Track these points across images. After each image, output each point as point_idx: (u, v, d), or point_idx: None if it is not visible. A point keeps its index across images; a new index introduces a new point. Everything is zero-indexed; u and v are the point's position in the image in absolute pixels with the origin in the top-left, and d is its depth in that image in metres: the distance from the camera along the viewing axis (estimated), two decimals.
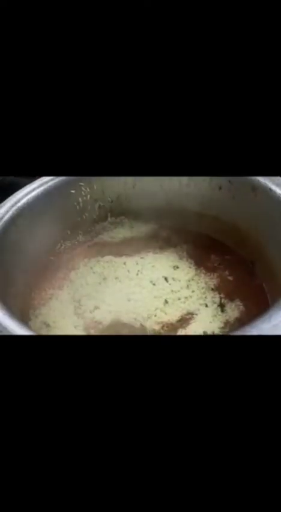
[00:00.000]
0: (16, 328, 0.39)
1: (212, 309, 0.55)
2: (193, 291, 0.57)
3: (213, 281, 0.59)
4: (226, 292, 0.57)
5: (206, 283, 0.58)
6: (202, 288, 0.58)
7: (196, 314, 0.54)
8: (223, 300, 0.56)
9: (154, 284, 0.58)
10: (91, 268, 0.61)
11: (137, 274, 0.60)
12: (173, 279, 0.59)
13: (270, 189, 0.52)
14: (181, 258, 0.62)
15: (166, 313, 0.55)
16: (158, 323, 0.54)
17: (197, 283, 0.59)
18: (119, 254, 0.63)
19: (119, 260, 0.62)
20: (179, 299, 0.57)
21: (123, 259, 0.62)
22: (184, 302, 0.56)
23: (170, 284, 0.58)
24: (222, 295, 0.56)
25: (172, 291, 0.57)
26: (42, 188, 0.56)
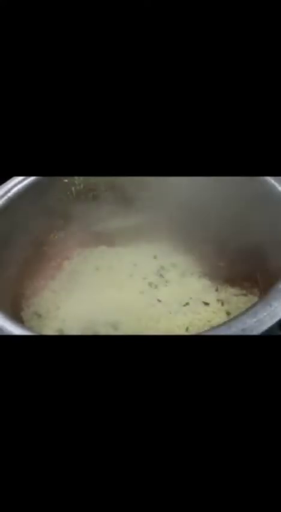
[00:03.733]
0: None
1: (206, 296, 0.55)
2: (186, 279, 0.58)
3: (207, 269, 0.59)
4: (220, 280, 0.57)
5: (200, 272, 0.58)
6: (196, 276, 0.58)
7: (189, 301, 0.54)
8: (218, 287, 0.56)
9: (146, 273, 0.58)
10: (85, 258, 0.61)
11: (130, 264, 0.60)
12: (167, 268, 0.59)
13: (264, 179, 0.51)
14: (175, 248, 0.62)
15: (159, 301, 0.55)
16: (150, 312, 0.54)
17: (191, 271, 0.59)
18: (112, 244, 0.63)
19: (112, 250, 0.62)
20: (172, 287, 0.57)
21: (117, 249, 0.62)
22: (177, 290, 0.56)
23: (163, 273, 0.58)
24: (216, 284, 0.56)
25: (166, 280, 0.57)
26: (33, 178, 0.56)
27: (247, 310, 0.34)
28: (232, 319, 0.34)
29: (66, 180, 0.60)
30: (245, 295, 0.54)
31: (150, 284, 0.57)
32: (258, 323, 0.33)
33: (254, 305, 0.35)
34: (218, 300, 0.54)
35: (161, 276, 0.58)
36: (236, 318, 0.34)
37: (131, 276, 0.58)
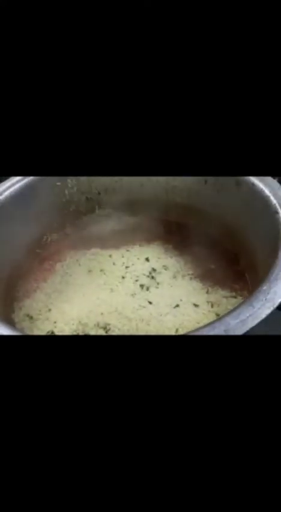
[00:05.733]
0: None
1: (196, 298, 0.55)
2: (177, 281, 0.58)
3: (198, 272, 0.59)
4: (210, 282, 0.57)
5: (191, 274, 0.59)
6: (187, 278, 0.59)
7: (179, 303, 0.55)
8: (209, 289, 0.56)
9: (138, 276, 0.59)
10: (77, 260, 0.62)
11: (123, 267, 0.60)
12: (159, 270, 0.60)
13: (253, 184, 0.52)
14: (166, 250, 0.63)
15: (150, 303, 0.55)
16: (140, 314, 0.54)
17: (182, 273, 0.59)
18: (105, 246, 0.64)
19: (105, 252, 0.63)
20: (163, 289, 0.57)
21: (110, 251, 0.63)
22: (168, 292, 0.57)
23: (155, 275, 0.59)
24: (206, 286, 0.57)
25: (157, 282, 0.58)
26: (26, 180, 0.56)
27: (231, 311, 0.35)
28: (215, 320, 0.35)
29: (59, 183, 0.61)
30: (234, 297, 0.55)
31: (142, 286, 0.58)
32: (240, 324, 0.33)
33: (237, 306, 0.35)
34: (208, 302, 0.54)
35: (153, 278, 0.59)
36: (219, 319, 0.34)
37: (123, 279, 0.59)
